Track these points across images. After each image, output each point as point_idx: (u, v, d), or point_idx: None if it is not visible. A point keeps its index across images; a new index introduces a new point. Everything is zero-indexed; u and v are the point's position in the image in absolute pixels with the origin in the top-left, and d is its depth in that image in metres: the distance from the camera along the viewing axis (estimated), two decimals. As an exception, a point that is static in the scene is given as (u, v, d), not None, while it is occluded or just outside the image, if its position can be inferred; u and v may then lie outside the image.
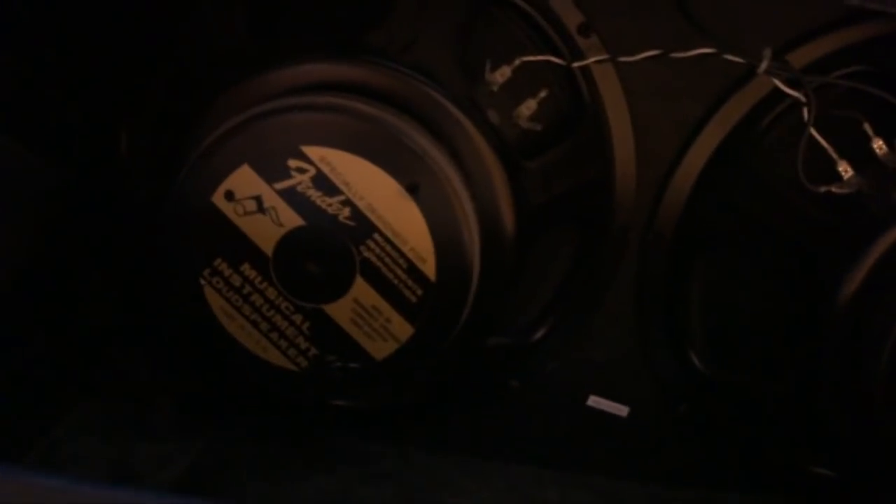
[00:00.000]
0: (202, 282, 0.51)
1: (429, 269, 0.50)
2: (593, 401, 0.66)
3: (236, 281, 0.51)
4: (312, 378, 0.53)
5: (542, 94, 0.57)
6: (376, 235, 0.50)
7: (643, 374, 0.65)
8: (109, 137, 0.59)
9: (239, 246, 0.50)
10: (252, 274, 0.51)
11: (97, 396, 0.61)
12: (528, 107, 0.57)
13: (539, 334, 0.64)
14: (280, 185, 0.49)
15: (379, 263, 0.50)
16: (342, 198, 0.49)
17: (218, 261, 0.51)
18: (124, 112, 0.60)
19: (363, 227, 0.50)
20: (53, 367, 0.57)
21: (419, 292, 0.51)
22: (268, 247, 0.50)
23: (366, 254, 0.50)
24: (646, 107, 0.60)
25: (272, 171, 0.49)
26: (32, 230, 0.54)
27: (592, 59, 0.57)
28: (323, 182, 0.49)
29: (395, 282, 0.51)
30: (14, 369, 0.55)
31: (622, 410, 0.66)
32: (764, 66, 0.55)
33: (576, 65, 0.57)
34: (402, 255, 0.50)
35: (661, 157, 0.62)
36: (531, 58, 0.56)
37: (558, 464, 0.64)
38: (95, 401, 0.61)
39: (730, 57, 0.55)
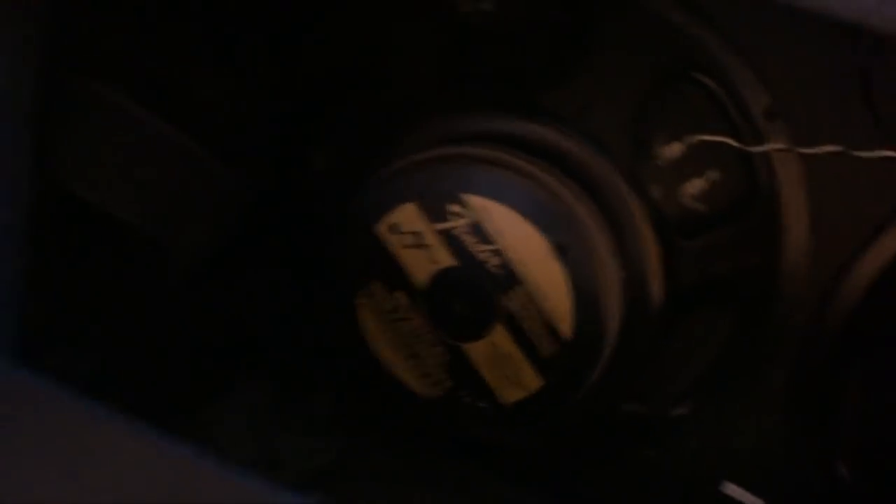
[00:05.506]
0: (358, 300, 0.55)
1: (565, 328, 0.52)
2: (730, 489, 0.65)
3: (388, 305, 0.55)
4: (443, 409, 0.56)
5: (712, 174, 0.57)
6: (519, 288, 0.52)
7: (785, 473, 0.64)
8: (304, 157, 0.66)
9: (395, 274, 0.54)
10: (404, 302, 0.55)
11: (255, 383, 0.67)
12: (695, 185, 0.57)
13: (680, 410, 0.64)
14: (439, 226, 0.53)
15: (519, 315, 0.53)
16: (494, 247, 0.52)
17: (375, 284, 0.55)
18: (322, 135, 0.66)
19: (509, 277, 0.52)
20: (212, 353, 0.64)
21: (553, 348, 0.53)
22: (421, 280, 0.54)
23: (507, 303, 0.53)
24: (825, 199, 0.59)
25: (434, 211, 0.53)
26: (220, 226, 0.61)
27: (771, 146, 0.57)
28: (478, 229, 0.52)
29: (531, 335, 0.53)
30: (178, 353, 0.62)
31: None
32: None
33: (754, 149, 0.57)
34: (542, 311, 0.52)
35: (836, 253, 0.60)
36: (708, 137, 0.57)
37: (675, 541, 0.63)
38: (253, 386, 0.67)
39: (916, 163, 0.53)
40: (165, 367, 0.61)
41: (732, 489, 0.65)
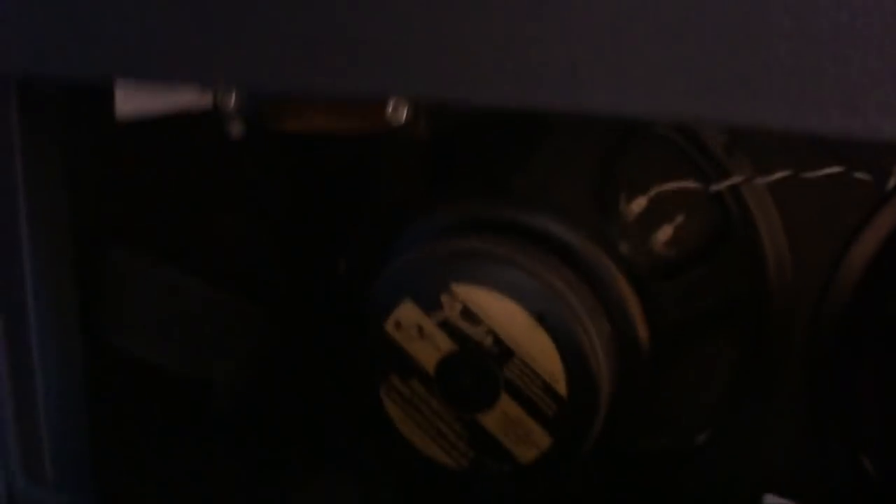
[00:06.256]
0: (382, 393, 0.62)
1: (561, 387, 0.58)
2: (770, 500, 0.69)
3: (407, 393, 0.61)
4: (473, 477, 0.62)
5: (679, 219, 0.62)
6: (515, 359, 0.58)
7: (817, 476, 0.67)
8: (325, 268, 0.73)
9: (407, 365, 0.61)
10: (419, 388, 0.61)
11: (325, 475, 0.74)
12: (665, 232, 0.62)
13: (704, 436, 0.68)
14: (435, 317, 0.59)
15: (519, 382, 0.58)
16: (485, 327, 0.58)
17: (392, 376, 0.62)
18: (341, 244, 0.73)
19: (504, 351, 0.58)
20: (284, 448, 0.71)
21: (554, 407, 0.58)
22: (429, 367, 0.60)
23: (508, 374, 0.59)
24: (797, 218, 0.63)
25: (429, 304, 0.59)
26: (251, 356, 0.68)
27: (727, 182, 0.62)
28: (469, 314, 0.59)
29: (534, 398, 0.58)
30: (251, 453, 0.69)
31: (799, 510, 0.68)
32: (893, 182, 0.56)
33: (713, 188, 0.62)
34: (538, 375, 0.58)
35: (818, 263, 0.63)
36: (669, 186, 0.62)
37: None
38: (324, 478, 0.74)
39: (858, 175, 0.57)
40: (232, 490, 0.69)
41: (772, 500, 0.69)
